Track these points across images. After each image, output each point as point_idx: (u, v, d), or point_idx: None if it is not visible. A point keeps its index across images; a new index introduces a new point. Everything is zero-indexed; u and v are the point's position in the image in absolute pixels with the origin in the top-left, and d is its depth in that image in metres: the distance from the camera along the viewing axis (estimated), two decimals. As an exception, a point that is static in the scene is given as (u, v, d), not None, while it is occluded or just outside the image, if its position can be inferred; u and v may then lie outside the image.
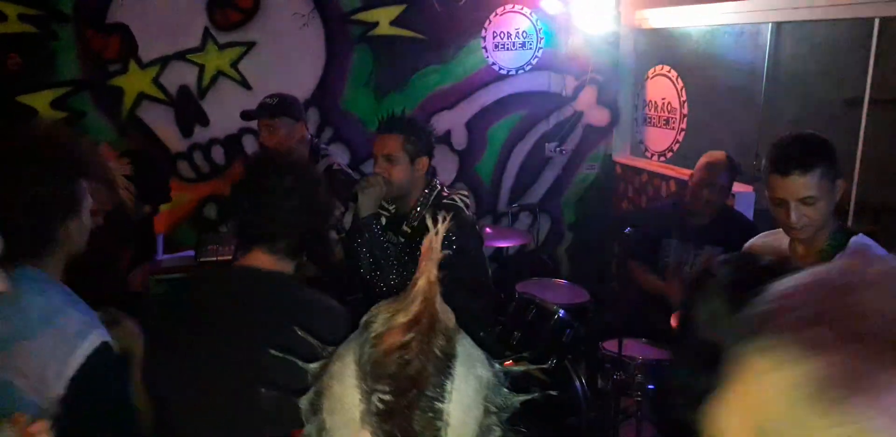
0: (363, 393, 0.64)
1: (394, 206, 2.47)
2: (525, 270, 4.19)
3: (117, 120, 3.79)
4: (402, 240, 2.38)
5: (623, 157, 4.68)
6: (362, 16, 4.08)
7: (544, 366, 2.57)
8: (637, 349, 3.23)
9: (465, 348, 0.67)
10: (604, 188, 4.70)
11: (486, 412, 0.67)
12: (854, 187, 3.03)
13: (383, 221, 2.45)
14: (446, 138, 4.36)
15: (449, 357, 0.64)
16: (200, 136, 3.97)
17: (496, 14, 4.31)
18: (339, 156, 3.81)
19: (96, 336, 1.31)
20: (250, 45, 3.93)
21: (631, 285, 3.61)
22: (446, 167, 4.32)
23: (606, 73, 4.57)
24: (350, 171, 3.16)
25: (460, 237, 2.28)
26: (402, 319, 0.66)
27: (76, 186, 1.43)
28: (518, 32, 4.38)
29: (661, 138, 4.41)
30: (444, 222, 0.73)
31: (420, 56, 4.22)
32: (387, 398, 0.62)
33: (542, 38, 4.42)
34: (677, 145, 4.25)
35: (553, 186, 4.64)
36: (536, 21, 4.38)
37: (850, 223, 3.03)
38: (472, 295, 2.44)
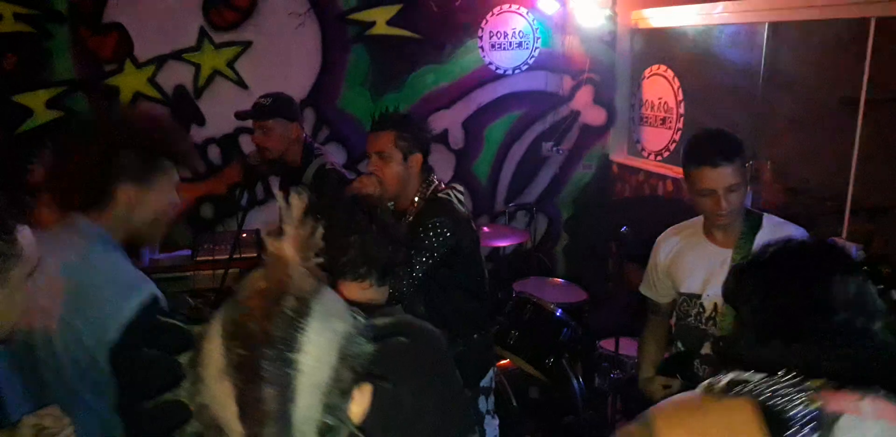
0: (224, 349, 0.75)
1: (391, 203, 2.46)
2: (522, 269, 4.19)
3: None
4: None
5: (620, 156, 4.68)
6: (359, 15, 4.07)
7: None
8: (634, 348, 3.24)
9: (323, 306, 0.78)
10: (601, 188, 4.70)
11: (341, 358, 0.77)
12: (850, 187, 3.03)
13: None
14: (443, 138, 4.36)
15: (301, 315, 0.75)
16: (197, 135, 3.96)
17: (492, 14, 4.30)
18: (335, 155, 3.80)
19: (147, 290, 1.47)
20: (246, 45, 3.93)
21: (627, 284, 3.62)
22: (443, 167, 4.32)
23: (603, 72, 4.57)
24: (344, 170, 3.15)
25: (455, 234, 2.27)
26: (261, 284, 0.78)
27: (150, 157, 1.57)
28: (514, 32, 4.37)
29: (657, 138, 4.41)
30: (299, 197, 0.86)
31: (417, 56, 4.22)
32: (241, 351, 0.74)
33: (538, 38, 4.42)
34: (674, 145, 4.25)
35: (550, 186, 4.64)
36: (533, 21, 4.38)
37: (846, 223, 3.04)
38: (467, 294, 2.43)
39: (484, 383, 2.49)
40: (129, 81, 3.77)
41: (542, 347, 3.25)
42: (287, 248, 0.80)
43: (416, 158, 2.34)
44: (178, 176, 1.64)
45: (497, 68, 4.39)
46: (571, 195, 4.70)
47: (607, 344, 3.51)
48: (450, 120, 4.37)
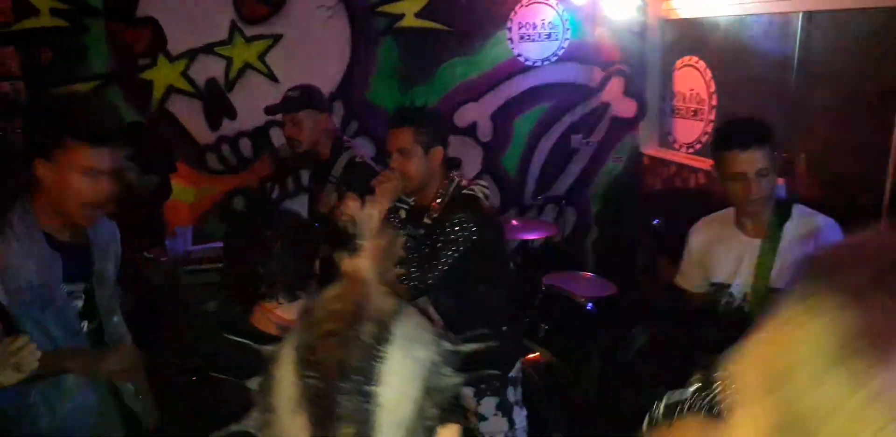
0: (297, 378, 0.67)
1: (413, 198, 2.47)
2: (551, 262, 4.17)
3: (147, 113, 3.83)
4: (422, 232, 2.37)
5: (651, 149, 4.64)
6: (387, 8, 4.08)
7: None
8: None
9: (405, 331, 0.69)
10: (631, 180, 4.67)
11: (426, 393, 0.68)
12: (889, 180, 2.96)
13: (402, 214, 2.45)
14: (471, 130, 4.35)
15: (381, 342, 0.66)
16: (228, 128, 4.00)
17: (521, 5, 4.28)
18: (364, 149, 3.82)
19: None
20: (277, 38, 3.95)
21: (659, 277, 3.59)
22: (471, 160, 4.32)
23: (633, 63, 4.52)
24: (373, 163, 3.17)
25: (480, 229, 2.28)
26: (337, 306, 0.70)
27: (54, 134, 1.70)
28: (544, 23, 4.34)
29: (689, 130, 4.36)
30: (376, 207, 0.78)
31: (445, 48, 4.21)
32: (317, 384, 0.66)
33: (568, 29, 4.38)
34: (706, 137, 4.20)
35: (579, 179, 4.62)
36: (562, 12, 4.34)
37: (883, 217, 2.97)
38: (492, 287, 2.44)
39: (512, 374, 2.51)
40: (163, 75, 3.83)
41: (572, 341, 3.25)
42: (364, 264, 0.72)
43: (437, 151, 2.35)
44: (92, 160, 1.72)
45: (526, 60, 4.36)
46: (601, 188, 4.67)
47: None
48: (478, 112, 4.36)
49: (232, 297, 1.70)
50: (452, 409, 0.70)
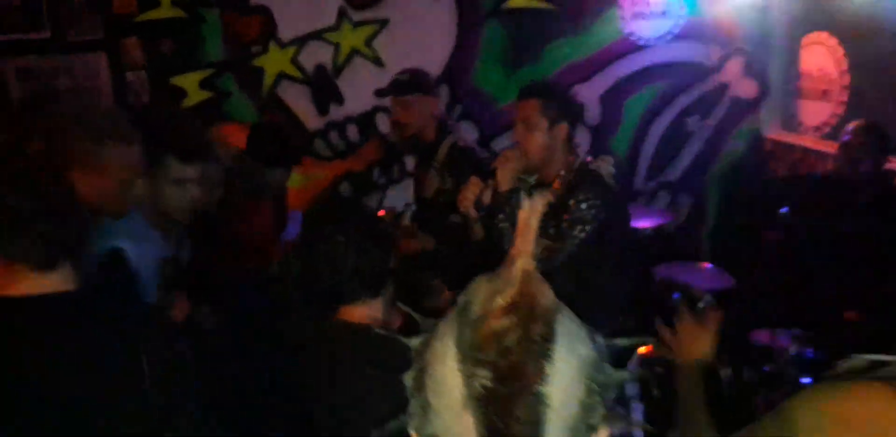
0: (464, 377, 0.64)
1: (534, 178, 2.41)
2: (663, 252, 4.00)
3: (258, 99, 3.93)
4: (546, 212, 2.29)
5: (773, 132, 4.35)
6: (495, -11, 4.00)
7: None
8: (789, 341, 3.01)
9: (565, 327, 0.67)
10: (751, 166, 4.39)
11: (589, 391, 0.67)
12: None
13: (523, 194, 2.38)
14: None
15: (548, 340, 0.65)
16: (336, 114, 4.05)
17: (635, -19, 4.09)
18: (468, 133, 3.78)
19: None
20: (383, 23, 3.95)
21: (783, 271, 3.37)
22: (578, 143, 4.17)
23: (755, 41, 4.25)
24: (476, 148, 3.13)
25: (608, 207, 2.20)
26: (500, 302, 0.66)
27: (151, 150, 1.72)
28: (658, 0, 4.13)
29: (817, 112, 4.05)
30: (542, 199, 0.73)
31: (553, 28, 4.09)
32: (488, 384, 0.63)
33: (684, 6, 4.15)
34: (836, 119, 3.89)
35: (694, 163, 4.39)
36: (679, -13, 4.12)
37: None
38: (615, 272, 2.35)
39: (630, 366, 2.40)
40: (274, 62, 3.91)
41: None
42: (525, 259, 0.69)
43: (562, 127, 2.29)
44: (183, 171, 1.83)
45: (639, 39, 4.17)
46: (718, 174, 4.42)
47: (758, 335, 3.28)
48: (586, 94, 4.21)
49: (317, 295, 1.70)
50: (613, 407, 0.68)
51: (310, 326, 1.81)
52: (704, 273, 3.66)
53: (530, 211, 0.72)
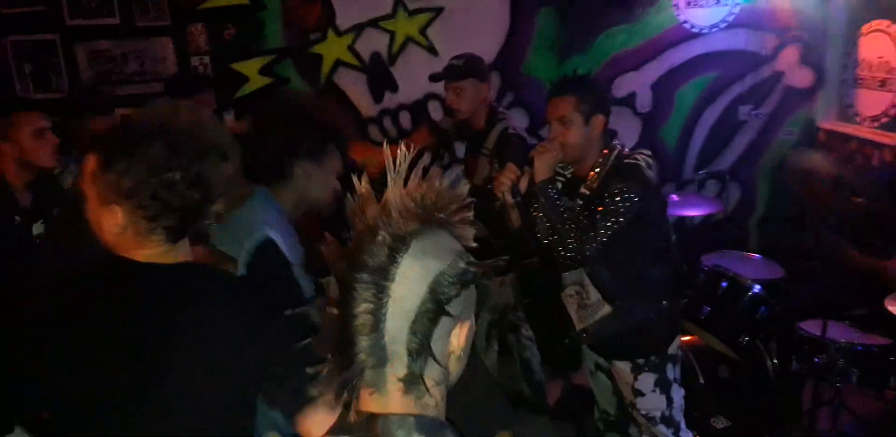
0: (334, 270, 0.87)
1: (570, 170, 2.44)
2: (712, 241, 4.00)
3: (316, 85, 4.04)
4: (580, 203, 2.34)
5: (828, 122, 4.28)
6: (550, -24, 4.02)
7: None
8: (839, 332, 3.00)
9: (423, 244, 0.87)
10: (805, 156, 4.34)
11: (431, 292, 0.85)
12: None
13: (559, 185, 2.42)
14: (630, 101, 4.22)
15: (394, 250, 0.84)
16: (389, 101, 4.14)
17: (691, -31, 4.06)
18: (518, 120, 3.82)
19: (261, 235, 1.68)
20: (438, 11, 4.01)
21: (835, 262, 3.34)
22: (628, 131, 4.19)
23: (812, 29, 4.18)
24: (526, 135, 3.15)
25: (643, 199, 2.21)
26: (359, 221, 0.88)
27: (322, 142, 1.79)
28: (714, -13, 4.10)
29: (875, 101, 3.97)
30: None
31: (606, 16, 4.10)
32: (343, 273, 0.85)
33: (740, -7, 4.12)
34: (895, 110, 3.82)
35: (746, 153, 4.36)
36: (735, -26, 4.08)
37: None
38: (653, 261, 2.37)
39: (672, 351, 2.44)
40: (331, 49, 4.01)
41: (737, 325, 3.09)
42: (393, 192, 0.88)
43: (598, 119, 2.28)
44: (340, 164, 1.83)
45: (692, 27, 4.15)
46: (770, 163, 4.38)
47: (807, 326, 3.27)
48: (638, 82, 4.22)
49: None
50: (445, 309, 0.86)
51: None
52: (753, 263, 3.65)
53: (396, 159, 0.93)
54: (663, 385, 2.42)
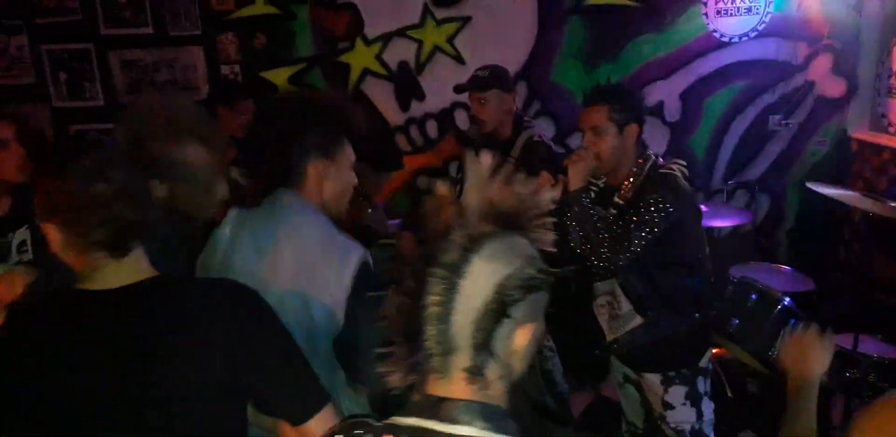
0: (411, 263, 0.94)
1: (603, 179, 2.42)
2: (740, 252, 3.94)
3: (344, 95, 4.06)
4: (614, 212, 2.32)
5: (861, 132, 4.21)
6: (577, -15, 4.02)
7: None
8: (871, 346, 2.95)
9: (495, 245, 0.91)
10: (836, 166, 4.27)
11: (497, 294, 0.90)
12: None
13: (592, 194, 2.41)
14: (658, 110, 4.19)
15: (467, 250, 0.90)
16: (416, 110, 4.15)
17: (721, -22, 4.03)
18: (544, 129, 3.81)
19: (359, 254, 1.63)
20: (466, 20, 4.03)
21: (866, 275, 3.28)
22: (657, 140, 4.15)
23: (845, 39, 4.12)
24: (552, 143, 3.15)
25: (678, 210, 2.19)
26: (435, 221, 0.95)
27: (332, 134, 1.70)
28: (744, -4, 4.07)
29: (909, 112, 3.91)
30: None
31: (634, 25, 4.08)
32: (418, 267, 0.91)
33: (770, 2, 4.07)
34: (929, 120, 3.75)
35: (776, 163, 4.30)
36: (766, -17, 4.04)
37: None
38: (687, 273, 2.35)
39: (702, 364, 2.42)
40: (359, 58, 4.04)
41: (767, 338, 3.05)
42: (472, 195, 0.94)
43: (632, 129, 2.28)
44: (353, 154, 1.75)
45: (722, 36, 4.11)
46: (801, 174, 4.31)
47: (838, 340, 3.20)
48: (666, 91, 4.19)
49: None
50: (509, 312, 0.91)
51: None
52: (783, 276, 3.60)
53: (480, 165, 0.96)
54: (694, 398, 2.39)
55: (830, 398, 3.16)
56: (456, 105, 4.10)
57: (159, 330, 1.24)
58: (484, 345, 0.91)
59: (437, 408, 0.91)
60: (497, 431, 0.91)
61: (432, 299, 0.90)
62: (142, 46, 4.00)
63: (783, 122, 4.22)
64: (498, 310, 0.90)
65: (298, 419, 1.32)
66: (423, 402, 0.93)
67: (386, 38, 4.03)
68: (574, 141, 4.10)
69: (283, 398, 1.33)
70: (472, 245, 0.90)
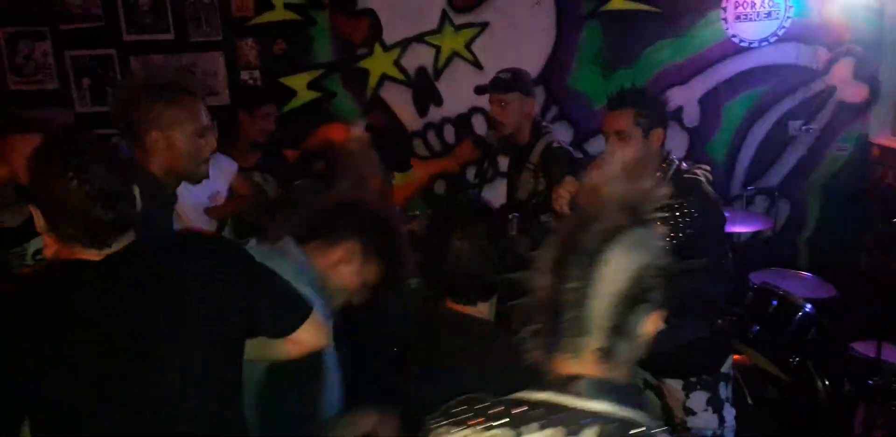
0: (553, 250, 1.01)
1: None
2: (759, 258, 3.91)
3: (362, 100, 4.09)
4: None
5: (883, 137, 4.16)
6: (596, -9, 4.02)
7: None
8: (893, 354, 2.92)
9: (632, 236, 0.99)
10: (858, 172, 4.23)
11: (634, 281, 0.98)
12: None
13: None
14: (677, 115, 4.17)
15: (608, 239, 0.97)
16: (434, 115, 4.16)
17: (741, -18, 4.02)
18: (562, 134, 3.81)
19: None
20: (484, 26, 4.04)
21: (889, 282, 3.24)
22: (675, 145, 4.12)
23: (867, 43, 4.08)
24: (571, 149, 3.13)
25: (702, 215, 2.17)
26: (580, 211, 1.04)
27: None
28: (764, 1, 4.04)
29: (932, 116, 3.87)
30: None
31: (653, 30, 4.07)
32: (560, 252, 0.99)
33: (790, 7, 4.04)
34: (953, 125, 3.70)
35: (796, 169, 4.26)
36: (786, -12, 4.02)
37: None
38: (711, 277, 2.33)
39: (724, 370, 2.40)
40: (378, 64, 4.07)
41: (787, 344, 3.02)
42: (612, 186, 1.02)
43: (658, 133, 2.27)
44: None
45: (741, 41, 4.09)
46: (821, 180, 4.27)
47: (860, 347, 3.17)
48: (685, 97, 4.17)
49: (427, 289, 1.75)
50: (646, 299, 0.99)
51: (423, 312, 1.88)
52: (804, 282, 3.56)
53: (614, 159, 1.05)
54: (716, 404, 2.37)
55: (853, 406, 3.12)
56: (474, 110, 4.10)
57: (150, 286, 1.30)
58: (618, 329, 0.97)
59: (570, 385, 0.98)
60: (627, 406, 0.97)
61: (573, 283, 0.96)
62: (163, 52, 4.04)
63: (804, 127, 4.19)
64: (636, 297, 0.97)
65: (290, 328, 1.41)
66: (554, 379, 1.00)
67: (404, 44, 4.05)
68: (592, 146, 4.09)
69: (272, 316, 1.41)
70: (612, 235, 0.97)
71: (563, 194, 2.28)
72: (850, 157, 4.25)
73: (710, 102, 4.19)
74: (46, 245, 1.35)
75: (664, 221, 2.14)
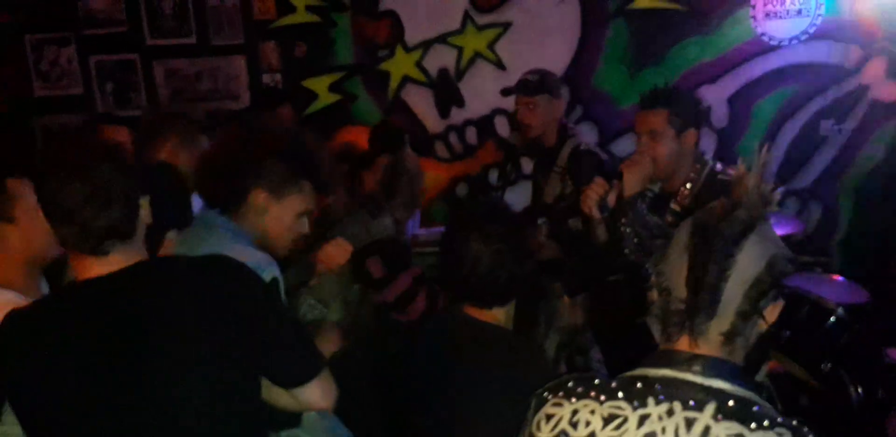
0: (690, 234, 1.08)
1: (658, 185, 2.36)
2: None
3: (383, 102, 4.07)
4: (669, 219, 2.26)
5: (918, 137, 4.06)
6: (622, -11, 3.96)
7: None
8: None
9: (764, 227, 1.07)
10: (892, 172, 4.12)
11: (766, 269, 1.04)
12: None
13: (647, 200, 2.35)
14: (706, 115, 4.09)
15: (748, 227, 1.04)
16: (456, 117, 4.13)
17: (771, -20, 3.93)
18: (587, 135, 3.76)
19: (269, 272, 1.56)
20: (507, 26, 3.99)
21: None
22: (704, 146, 4.02)
23: (901, 40, 3.97)
24: (597, 150, 3.09)
25: None
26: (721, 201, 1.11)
27: (287, 173, 1.67)
28: (794, -1, 3.95)
29: (970, 115, 3.75)
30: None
31: (680, 28, 3.99)
32: (699, 237, 1.05)
33: (821, 4, 3.94)
34: None
35: (828, 170, 4.16)
36: (818, -15, 3.92)
37: None
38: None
39: (758, 377, 2.33)
40: (399, 65, 4.04)
41: (819, 350, 2.94)
42: (752, 178, 1.10)
43: (691, 134, 2.24)
44: (311, 203, 1.70)
45: (770, 39, 4.00)
46: (855, 181, 4.16)
47: (894, 353, 3.09)
48: (713, 96, 4.08)
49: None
50: (780, 287, 1.07)
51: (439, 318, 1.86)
52: (835, 286, 3.47)
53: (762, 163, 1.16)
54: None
55: (886, 413, 3.04)
56: (496, 112, 4.06)
57: (152, 310, 1.24)
58: (746, 314, 1.03)
59: (692, 363, 1.03)
60: (744, 387, 1.03)
61: (710, 268, 1.01)
62: (185, 56, 4.06)
63: (835, 127, 4.09)
64: (769, 283, 1.03)
65: (294, 382, 1.34)
66: (676, 356, 1.05)
67: (426, 45, 4.02)
68: (617, 147, 4.03)
69: (278, 363, 1.33)
70: (752, 223, 1.03)
71: (592, 196, 2.25)
72: (884, 157, 4.14)
73: (739, 102, 4.11)
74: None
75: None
